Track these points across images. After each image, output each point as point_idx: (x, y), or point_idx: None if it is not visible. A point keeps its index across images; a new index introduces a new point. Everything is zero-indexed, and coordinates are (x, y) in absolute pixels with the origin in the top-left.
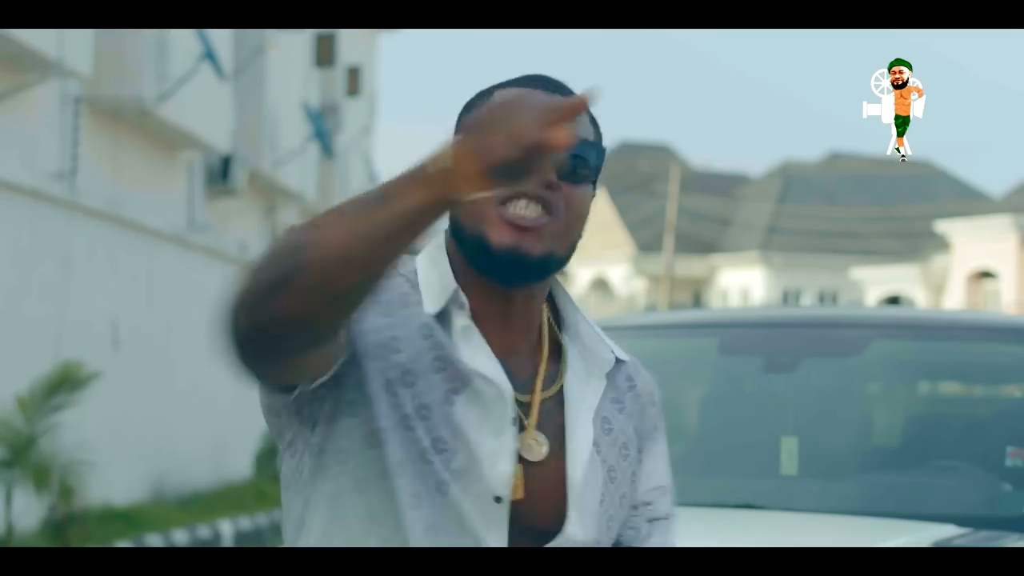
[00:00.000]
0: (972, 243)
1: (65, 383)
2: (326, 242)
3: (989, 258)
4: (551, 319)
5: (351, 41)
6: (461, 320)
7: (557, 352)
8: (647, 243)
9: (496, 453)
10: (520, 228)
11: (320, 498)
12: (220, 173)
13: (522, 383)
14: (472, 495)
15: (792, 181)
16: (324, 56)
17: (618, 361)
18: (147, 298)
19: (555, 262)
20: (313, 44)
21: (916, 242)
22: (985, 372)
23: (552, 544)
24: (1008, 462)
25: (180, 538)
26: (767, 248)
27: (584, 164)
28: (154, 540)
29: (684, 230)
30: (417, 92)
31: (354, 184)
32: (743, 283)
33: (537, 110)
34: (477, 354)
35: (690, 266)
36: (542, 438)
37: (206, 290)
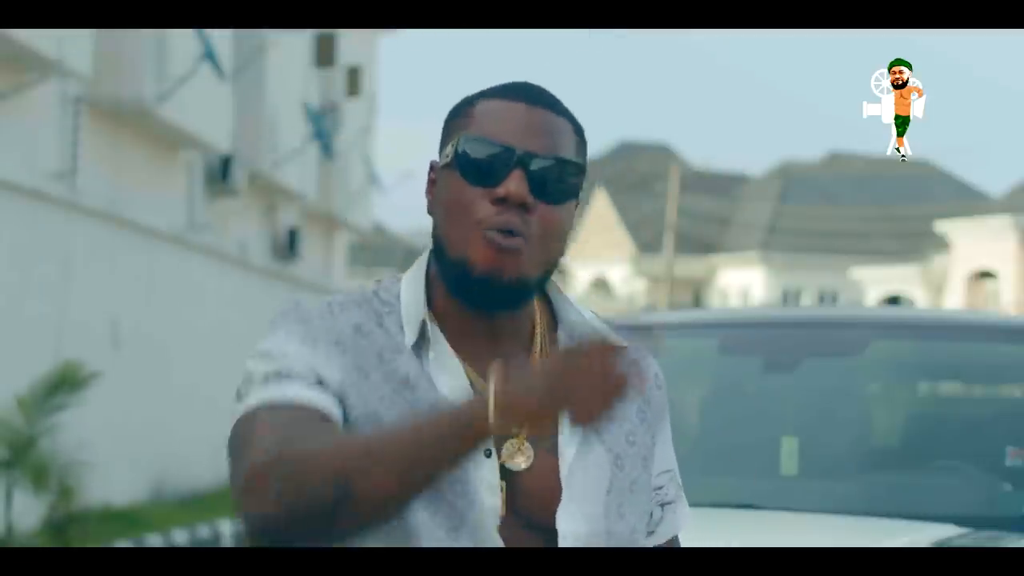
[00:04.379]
0: (972, 243)
1: (65, 383)
2: (365, 488)
3: (989, 258)
4: (550, 320)
5: (351, 41)
6: (432, 351)
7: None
8: (647, 243)
9: (480, 483)
10: (499, 250)
11: None
12: (220, 173)
13: None
14: (469, 527)
15: (792, 181)
16: (324, 56)
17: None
18: (147, 298)
19: (528, 287)
20: (313, 44)
21: (916, 242)
22: (985, 372)
23: (562, 541)
24: (1008, 462)
25: (180, 538)
26: (767, 248)
27: (562, 185)
28: (154, 540)
29: (684, 230)
30: (417, 92)
31: (354, 184)
32: (743, 283)
33: (597, 395)
34: (452, 381)
35: (690, 266)
36: (528, 448)
37: (206, 290)
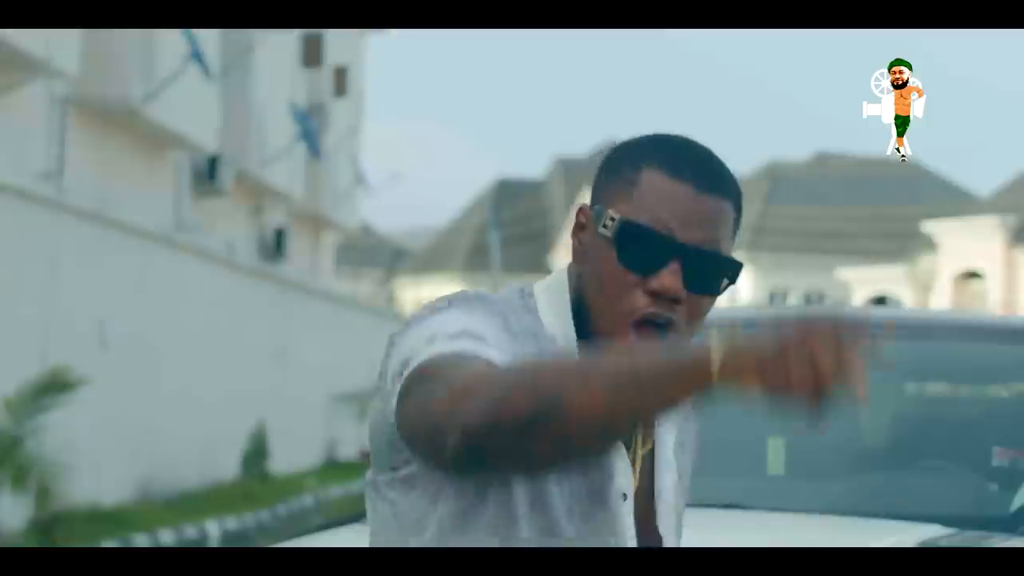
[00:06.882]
0: (959, 243)
1: (53, 387)
2: (576, 403)
3: (976, 258)
4: None
5: (338, 41)
6: None
7: None
8: None
9: (624, 529)
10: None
11: (447, 504)
12: (207, 173)
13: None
14: (589, 533)
15: (779, 181)
16: (311, 56)
17: None
18: (135, 298)
19: None
20: (300, 44)
21: (903, 242)
22: (972, 372)
23: None
24: (995, 462)
25: (167, 538)
26: (754, 248)
27: (716, 279)
28: (141, 540)
29: None
30: (404, 92)
31: (341, 184)
32: None
33: (834, 354)
34: None
35: None
36: (634, 472)
37: (194, 290)
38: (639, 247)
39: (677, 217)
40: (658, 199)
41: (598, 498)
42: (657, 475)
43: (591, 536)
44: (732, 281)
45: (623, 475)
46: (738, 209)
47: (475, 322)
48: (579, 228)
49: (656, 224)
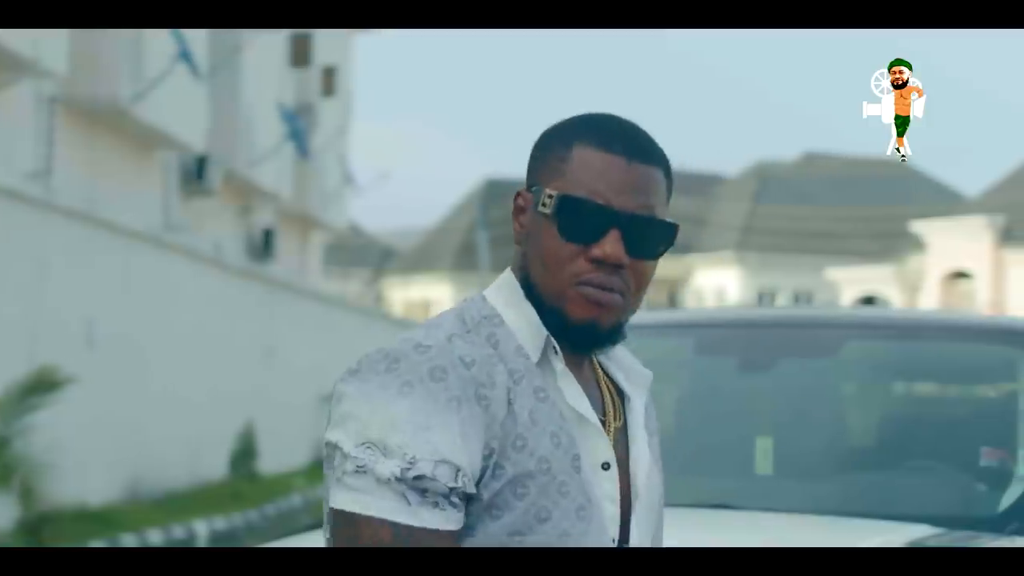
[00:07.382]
0: (947, 243)
1: (41, 386)
2: None
3: (964, 258)
4: None
5: (327, 41)
6: (559, 365)
7: (604, 374)
8: None
9: (603, 496)
10: (598, 305)
11: None
12: (195, 173)
13: (597, 412)
14: (590, 539)
15: (767, 181)
16: (300, 56)
17: None
18: (122, 298)
19: (622, 329)
20: (288, 44)
21: (891, 242)
22: (960, 372)
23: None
24: (982, 462)
25: (155, 538)
26: (742, 248)
27: (655, 243)
28: (129, 540)
29: None
30: (393, 92)
31: (329, 184)
32: (718, 283)
33: None
34: (575, 395)
35: (665, 266)
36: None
37: (182, 290)
38: (579, 219)
39: (612, 187)
40: (592, 172)
41: (574, 465)
42: (631, 445)
43: (563, 500)
44: (670, 244)
45: (602, 446)
46: (668, 176)
47: (407, 422)
48: (519, 211)
49: (593, 196)
